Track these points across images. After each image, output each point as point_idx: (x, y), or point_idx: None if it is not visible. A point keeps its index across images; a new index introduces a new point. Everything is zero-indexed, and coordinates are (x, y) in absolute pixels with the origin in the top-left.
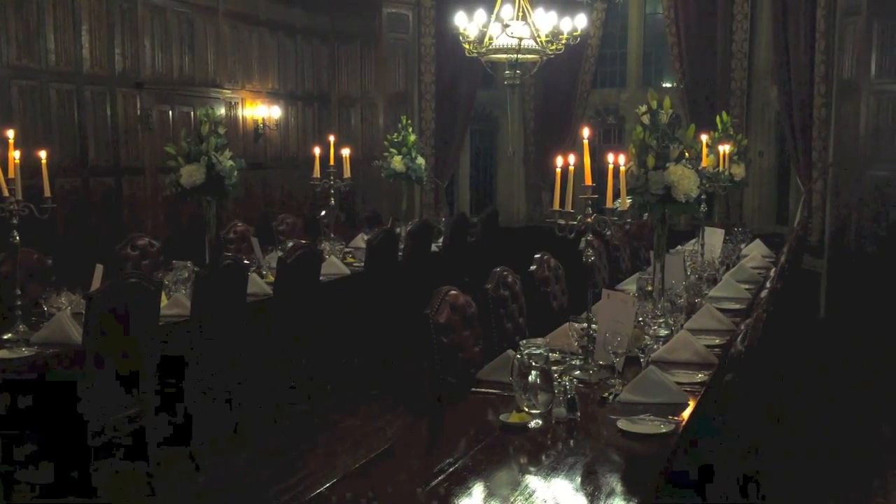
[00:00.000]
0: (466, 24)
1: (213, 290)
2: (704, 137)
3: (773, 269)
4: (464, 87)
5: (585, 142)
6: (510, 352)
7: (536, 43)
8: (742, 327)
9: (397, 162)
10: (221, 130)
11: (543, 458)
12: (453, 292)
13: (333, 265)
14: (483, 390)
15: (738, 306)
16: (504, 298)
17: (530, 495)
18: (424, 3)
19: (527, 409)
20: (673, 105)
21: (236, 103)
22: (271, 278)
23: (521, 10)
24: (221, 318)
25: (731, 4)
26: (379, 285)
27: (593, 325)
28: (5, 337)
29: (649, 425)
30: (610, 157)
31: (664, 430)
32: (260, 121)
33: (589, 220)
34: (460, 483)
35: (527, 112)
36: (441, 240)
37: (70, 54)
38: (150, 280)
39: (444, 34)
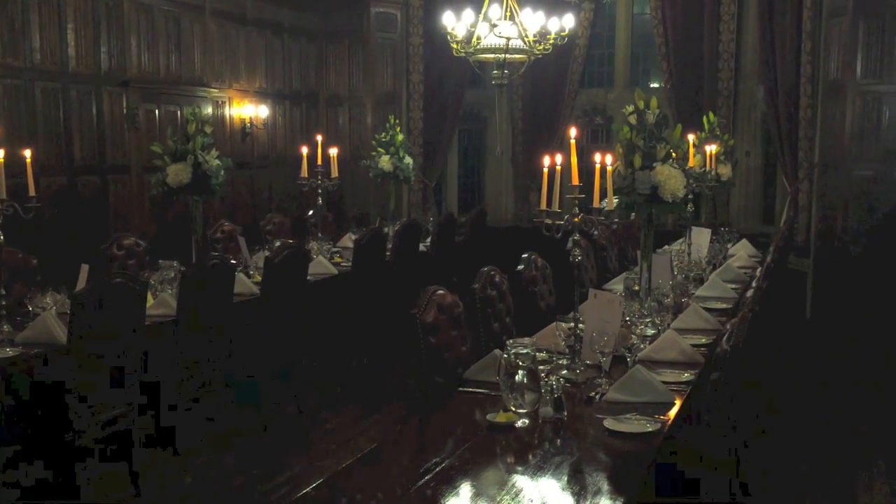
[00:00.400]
0: (454, 23)
1: (200, 290)
2: (691, 137)
3: (759, 269)
4: (452, 87)
5: (572, 142)
6: (497, 351)
7: (524, 43)
8: (728, 327)
9: (385, 161)
10: (208, 129)
11: (530, 457)
12: (440, 292)
13: (321, 265)
14: (470, 390)
15: (724, 306)
16: (491, 298)
17: (517, 494)
18: (412, 3)
19: (514, 409)
20: (660, 105)
21: (223, 102)
22: (258, 278)
23: (508, 10)
24: (208, 318)
25: (718, 5)
26: (366, 285)
27: (580, 325)
28: None
29: (635, 424)
30: (597, 157)
31: (650, 429)
32: (247, 120)
33: (576, 219)
34: (447, 483)
35: (515, 112)
36: (429, 239)
37: (55, 53)
38: (135, 280)
39: (433, 34)
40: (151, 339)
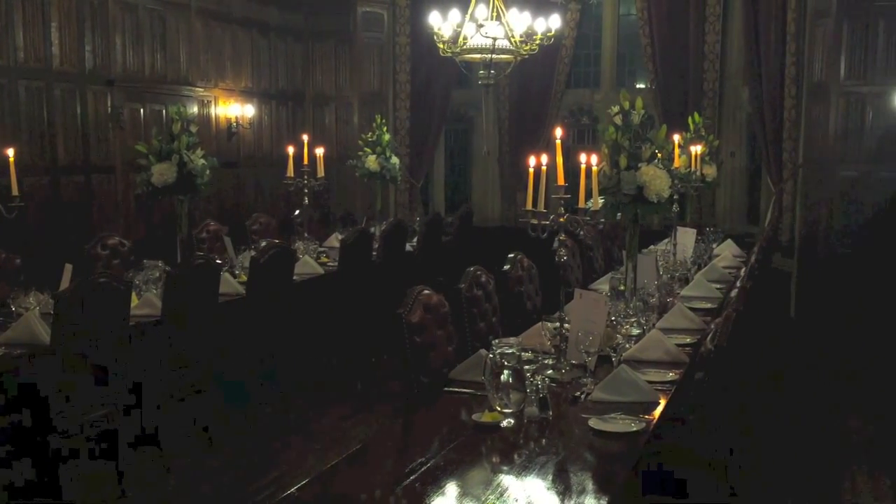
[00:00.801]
0: (441, 23)
1: (185, 290)
2: (676, 138)
3: (743, 269)
4: (438, 87)
5: (558, 142)
6: (483, 351)
7: (510, 43)
8: (712, 326)
9: (372, 161)
10: (193, 129)
11: (516, 456)
12: (426, 292)
13: (307, 265)
14: (456, 390)
15: (709, 305)
16: (477, 298)
17: (502, 494)
18: (399, 3)
19: (499, 409)
20: (646, 106)
21: (209, 102)
22: (244, 278)
23: (495, 10)
24: (193, 318)
25: (704, 6)
26: (353, 285)
27: (566, 325)
28: None
29: (620, 424)
30: (582, 158)
31: (635, 429)
32: (233, 119)
33: (561, 219)
34: (433, 482)
35: (501, 112)
36: (415, 239)
37: (39, 51)
38: (119, 280)
39: (419, 34)
40: (136, 339)
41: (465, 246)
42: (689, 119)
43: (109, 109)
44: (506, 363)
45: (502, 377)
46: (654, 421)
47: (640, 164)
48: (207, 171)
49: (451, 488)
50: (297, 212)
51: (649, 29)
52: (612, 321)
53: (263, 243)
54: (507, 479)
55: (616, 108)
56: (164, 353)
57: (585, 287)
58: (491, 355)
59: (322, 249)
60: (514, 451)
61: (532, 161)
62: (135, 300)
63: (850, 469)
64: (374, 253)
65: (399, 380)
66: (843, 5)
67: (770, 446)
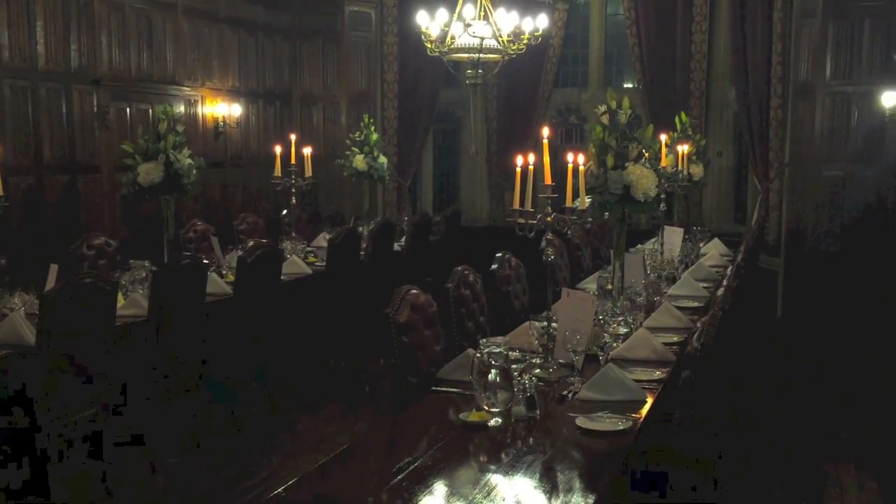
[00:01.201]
0: (428, 23)
1: (171, 290)
2: (664, 137)
3: (730, 268)
4: (426, 86)
5: (545, 141)
6: (470, 351)
7: (498, 42)
8: (699, 325)
9: (359, 161)
10: (180, 128)
11: (503, 456)
12: (414, 291)
13: (295, 264)
14: (443, 389)
15: (696, 304)
16: (465, 297)
17: (490, 493)
18: (387, 2)
19: (487, 408)
20: (633, 105)
21: (196, 101)
22: (231, 278)
23: (482, 9)
24: (180, 318)
25: (691, 6)
26: (341, 285)
27: (553, 324)
28: None
29: (607, 423)
30: (569, 157)
31: (622, 428)
32: (220, 119)
33: (549, 219)
34: (420, 482)
35: (489, 111)
36: (403, 239)
37: (25, 50)
38: (105, 280)
39: (407, 33)
40: (122, 339)
41: (454, 245)
42: (676, 118)
43: (95, 109)
44: (493, 362)
45: (490, 376)
46: (641, 419)
47: (627, 164)
48: (194, 171)
49: (439, 488)
50: (284, 211)
51: (636, 29)
52: (599, 320)
53: (251, 243)
54: (494, 479)
55: (603, 108)
56: (151, 353)
57: (573, 286)
58: (478, 354)
59: (310, 249)
60: (502, 451)
61: (519, 160)
62: (121, 300)
63: (836, 468)
64: (362, 253)
65: (387, 380)
66: (828, 5)
67: (756, 445)
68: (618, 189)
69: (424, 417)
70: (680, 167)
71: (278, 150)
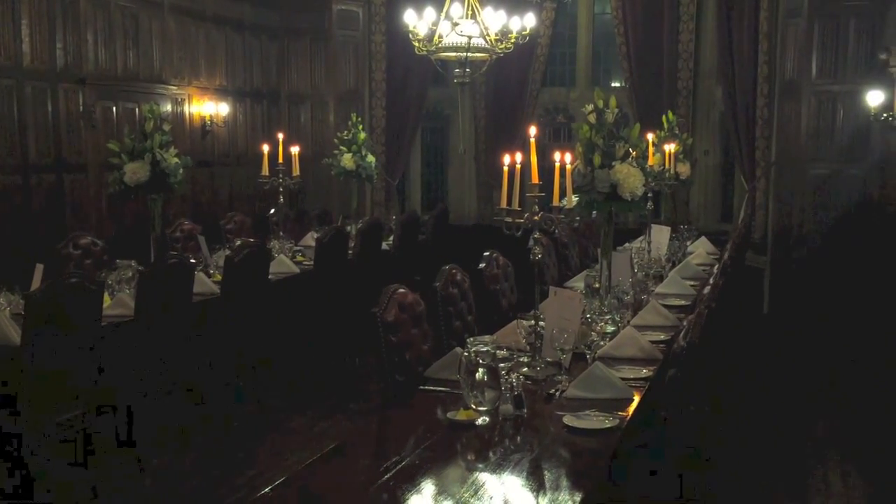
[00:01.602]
0: (416, 21)
1: (158, 290)
2: (651, 136)
3: (717, 266)
4: (414, 85)
5: (532, 140)
6: (458, 349)
7: (486, 41)
8: (685, 323)
9: (347, 160)
10: (166, 127)
11: (491, 454)
12: (401, 290)
13: (283, 264)
14: (431, 388)
15: (683, 302)
16: (453, 296)
17: (477, 491)
18: (375, 1)
19: (474, 407)
20: (621, 104)
21: (183, 100)
22: (219, 277)
23: (470, 8)
24: (167, 318)
25: (678, 5)
26: (329, 284)
27: (541, 323)
28: None
29: (594, 421)
30: (556, 156)
31: (609, 426)
32: (207, 118)
33: (536, 218)
34: (408, 480)
35: (477, 110)
36: (392, 238)
37: (9, 49)
38: (91, 279)
39: (395, 32)
40: (108, 339)
41: (442, 244)
42: (664, 117)
43: (81, 108)
44: (481, 361)
45: (477, 375)
46: (628, 417)
47: (613, 163)
48: (181, 170)
49: (427, 486)
50: (272, 211)
51: (624, 28)
52: (586, 318)
53: (238, 242)
54: (482, 477)
55: (590, 107)
56: (138, 353)
57: (561, 285)
58: (466, 353)
59: (298, 248)
60: (490, 449)
61: (506, 159)
62: (107, 300)
63: (822, 464)
64: (350, 252)
65: (375, 379)
66: (814, 5)
67: (742, 442)
68: (605, 188)
69: (412, 416)
70: (667, 166)
71: (266, 149)
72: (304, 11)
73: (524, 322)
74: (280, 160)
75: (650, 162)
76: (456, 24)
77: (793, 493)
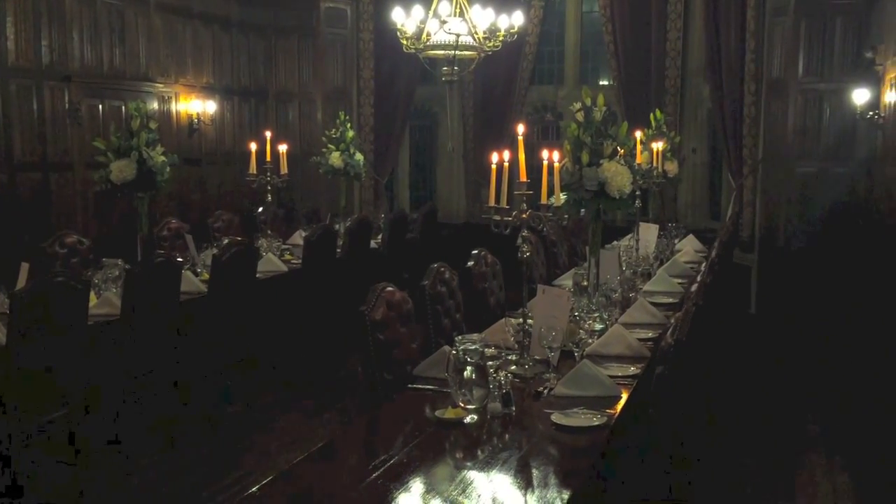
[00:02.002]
0: (404, 19)
1: (145, 289)
2: (638, 134)
3: (704, 264)
4: (403, 83)
5: (520, 138)
6: (446, 348)
7: (474, 40)
8: (673, 321)
9: (335, 158)
10: (153, 125)
11: (479, 452)
12: (389, 289)
13: (271, 262)
14: (419, 386)
15: (671, 300)
16: (441, 295)
17: (466, 489)
18: None
19: (462, 405)
20: (609, 102)
21: (170, 98)
22: (206, 276)
23: (458, 6)
24: (153, 317)
25: (665, 4)
26: (317, 282)
27: (529, 321)
28: None
29: (582, 418)
30: (545, 154)
31: (597, 423)
32: (194, 115)
33: (524, 216)
34: (397, 479)
35: (466, 108)
36: (380, 236)
37: None
38: (77, 278)
39: (383, 30)
40: (95, 338)
41: (430, 242)
42: (651, 115)
43: (67, 105)
44: (469, 359)
45: (465, 373)
46: (616, 415)
47: (601, 161)
48: (168, 168)
49: (415, 484)
50: (260, 209)
51: (612, 26)
52: (574, 316)
53: (226, 241)
54: (470, 475)
55: (578, 105)
56: (124, 352)
57: (549, 283)
58: (454, 351)
59: (286, 247)
60: (478, 447)
61: (494, 157)
62: (93, 299)
63: (808, 462)
64: (339, 250)
65: (363, 377)
66: (801, 3)
67: (729, 439)
68: (593, 186)
69: (400, 415)
70: (655, 164)
71: (253, 147)
72: (292, 9)
73: (512, 320)
74: (268, 158)
75: (638, 160)
76: (444, 22)
77: (780, 492)
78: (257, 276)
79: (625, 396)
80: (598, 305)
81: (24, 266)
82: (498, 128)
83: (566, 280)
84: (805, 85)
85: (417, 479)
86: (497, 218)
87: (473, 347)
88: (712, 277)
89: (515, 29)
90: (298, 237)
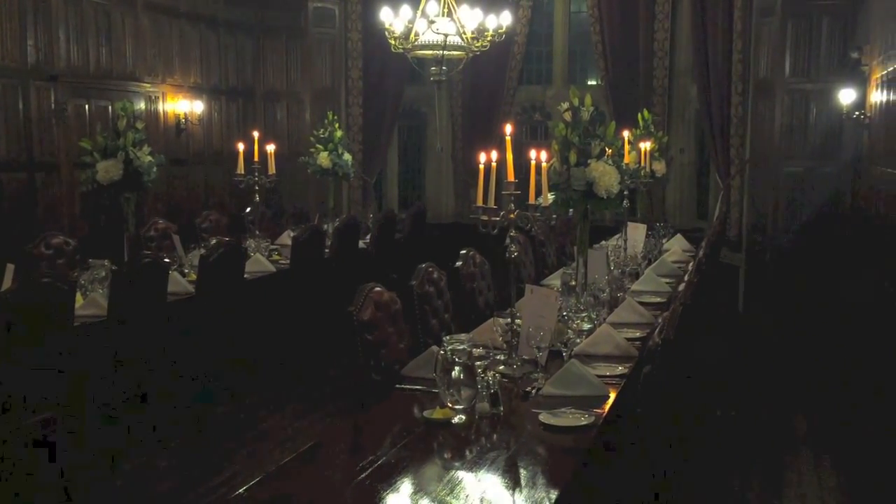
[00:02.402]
0: (392, 19)
1: (132, 290)
2: (626, 134)
3: (692, 264)
4: (391, 83)
5: (508, 138)
6: (435, 348)
7: (462, 40)
8: (660, 320)
9: (324, 158)
10: (140, 125)
11: (467, 452)
12: (377, 289)
13: (259, 263)
14: (407, 387)
15: (658, 300)
16: (430, 295)
17: (454, 489)
18: None
19: (450, 405)
20: (597, 103)
21: (157, 97)
22: (194, 277)
23: (446, 6)
24: (140, 318)
25: (653, 5)
26: (305, 283)
27: (517, 321)
28: None
29: (570, 418)
30: (533, 154)
31: (584, 423)
32: (182, 115)
33: (512, 216)
34: (385, 479)
35: (455, 108)
36: (368, 236)
37: None
38: (63, 279)
39: (371, 30)
40: (81, 339)
41: (419, 242)
42: (639, 115)
43: (53, 105)
44: (457, 359)
45: (453, 373)
46: (604, 414)
47: (589, 161)
48: (154, 168)
49: (404, 485)
50: (248, 209)
51: (600, 27)
52: (563, 316)
53: (213, 241)
54: (458, 475)
55: (566, 105)
56: (111, 353)
57: (537, 283)
58: (442, 352)
59: (274, 247)
60: (466, 447)
61: (482, 157)
62: (80, 300)
63: (796, 461)
64: (327, 250)
65: (351, 378)
66: (787, 4)
67: (717, 438)
68: (581, 186)
69: (388, 415)
70: (642, 164)
71: (241, 147)
72: (280, 9)
73: (501, 320)
74: (256, 158)
75: (626, 160)
76: (432, 22)
77: (768, 490)
78: (245, 276)
79: (613, 396)
80: (586, 305)
81: (10, 267)
82: (486, 128)
83: (554, 280)
84: (792, 85)
85: (406, 479)
86: (485, 218)
87: (461, 347)
88: (700, 277)
89: (503, 29)
90: (286, 237)
